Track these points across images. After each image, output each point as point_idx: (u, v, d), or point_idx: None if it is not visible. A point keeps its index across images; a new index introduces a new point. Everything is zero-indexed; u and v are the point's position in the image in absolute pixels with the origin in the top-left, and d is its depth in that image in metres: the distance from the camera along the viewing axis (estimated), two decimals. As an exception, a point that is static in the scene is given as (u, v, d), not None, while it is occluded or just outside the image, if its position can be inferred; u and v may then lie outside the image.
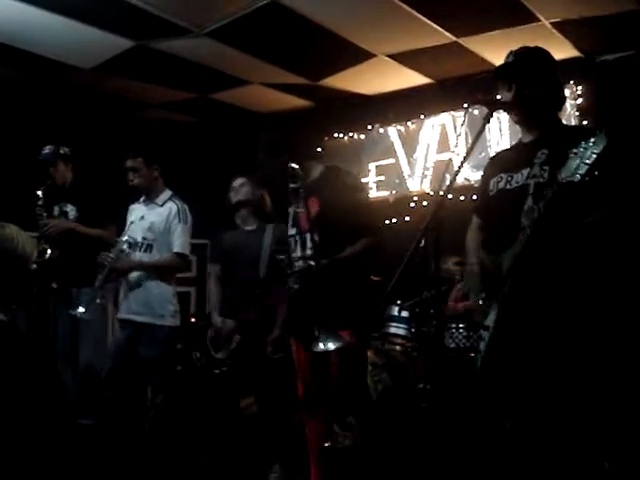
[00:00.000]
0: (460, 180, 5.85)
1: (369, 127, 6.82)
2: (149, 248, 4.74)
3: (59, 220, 5.09)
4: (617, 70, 5.29)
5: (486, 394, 2.98)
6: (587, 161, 2.53)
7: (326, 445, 3.86)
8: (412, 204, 6.35)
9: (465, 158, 2.89)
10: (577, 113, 5.49)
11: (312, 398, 3.81)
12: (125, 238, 4.69)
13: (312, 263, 3.49)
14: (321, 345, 3.33)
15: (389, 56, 5.72)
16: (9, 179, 6.09)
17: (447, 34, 5.23)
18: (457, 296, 5.23)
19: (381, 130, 6.75)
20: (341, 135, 6.96)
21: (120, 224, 4.89)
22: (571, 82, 5.49)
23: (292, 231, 3.80)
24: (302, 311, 3.66)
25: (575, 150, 2.57)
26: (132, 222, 4.76)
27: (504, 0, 4.64)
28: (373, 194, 6.62)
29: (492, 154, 5.68)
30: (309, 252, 3.62)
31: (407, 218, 6.22)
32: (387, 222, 6.25)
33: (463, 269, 4.12)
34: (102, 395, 4.72)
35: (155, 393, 4.61)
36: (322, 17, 4.99)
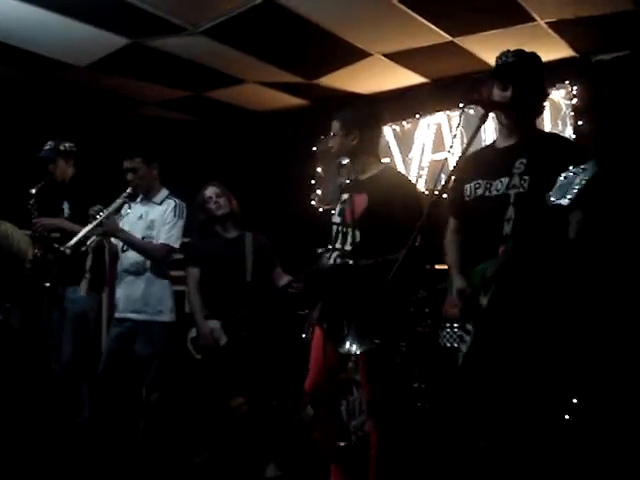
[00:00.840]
0: (451, 183, 5.84)
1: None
2: None
3: (47, 218, 5.06)
4: (612, 70, 5.29)
5: (465, 395, 2.99)
6: (576, 187, 2.51)
7: (341, 445, 3.87)
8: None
9: (460, 158, 2.89)
10: (572, 113, 5.48)
11: (321, 394, 3.81)
12: (123, 197, 4.65)
13: (350, 262, 3.51)
14: (347, 345, 3.32)
15: (385, 55, 5.72)
16: (6, 177, 6.07)
17: (443, 34, 5.23)
18: (452, 300, 5.21)
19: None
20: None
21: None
22: (566, 82, 5.48)
23: (337, 219, 3.80)
24: (336, 305, 3.68)
25: (565, 174, 2.56)
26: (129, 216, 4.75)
27: (500, 0, 4.64)
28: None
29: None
30: (349, 247, 3.64)
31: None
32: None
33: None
34: (90, 392, 4.72)
35: (150, 391, 4.57)
36: (318, 16, 4.99)
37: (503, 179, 2.96)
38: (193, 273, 4.91)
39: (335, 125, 3.78)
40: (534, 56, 3.07)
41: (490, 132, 5.79)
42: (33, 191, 4.99)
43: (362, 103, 6.25)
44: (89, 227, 4.50)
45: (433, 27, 5.11)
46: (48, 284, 4.91)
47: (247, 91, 6.62)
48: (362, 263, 3.44)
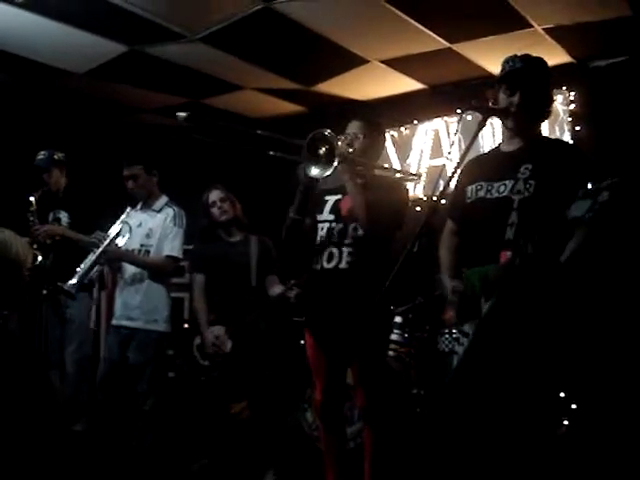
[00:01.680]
0: (453, 186, 5.85)
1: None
2: (147, 254, 4.76)
3: (50, 226, 5.07)
4: (610, 76, 5.30)
5: (458, 393, 2.98)
6: (597, 205, 2.51)
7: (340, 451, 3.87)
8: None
9: (458, 164, 2.89)
10: (569, 119, 5.49)
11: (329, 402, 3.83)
12: (122, 220, 4.67)
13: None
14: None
15: (382, 62, 5.72)
16: (2, 184, 6.06)
17: (440, 40, 5.23)
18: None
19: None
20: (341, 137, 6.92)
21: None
22: (564, 88, 5.50)
23: (329, 217, 3.80)
24: (326, 310, 3.70)
25: (585, 191, 2.55)
26: (130, 228, 4.75)
27: (497, 6, 4.64)
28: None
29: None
30: (350, 241, 3.67)
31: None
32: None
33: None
34: (91, 400, 4.71)
35: (144, 399, 4.56)
36: (315, 23, 4.99)
37: (507, 182, 2.96)
38: (198, 280, 4.89)
39: (358, 125, 3.81)
40: (541, 61, 3.07)
41: (488, 138, 5.81)
42: (32, 199, 4.99)
43: (373, 110, 6.30)
44: (93, 257, 4.55)
45: (430, 33, 5.12)
46: (46, 291, 4.91)
47: (245, 98, 6.62)
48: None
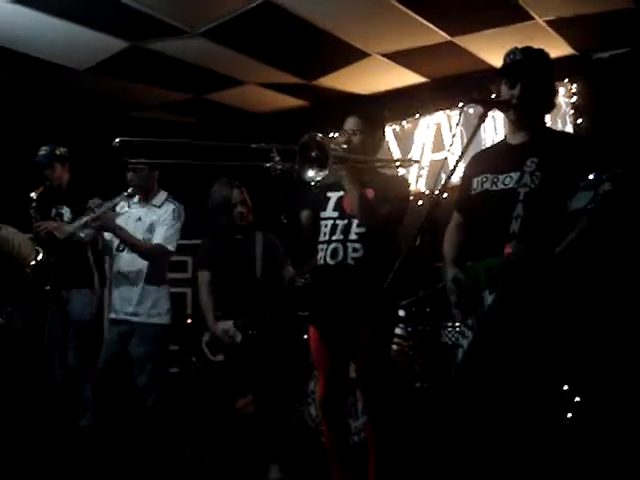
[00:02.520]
0: (455, 179, 5.77)
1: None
2: None
3: (51, 222, 5.07)
4: (612, 68, 5.29)
5: (464, 386, 2.99)
6: (599, 196, 2.51)
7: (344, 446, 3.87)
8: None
9: (460, 157, 2.88)
10: (572, 111, 5.48)
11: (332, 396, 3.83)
12: (123, 195, 4.67)
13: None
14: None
15: (384, 55, 5.72)
16: (5, 181, 6.07)
17: (442, 33, 5.23)
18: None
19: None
20: (337, 134, 6.92)
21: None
22: (566, 80, 5.49)
23: (333, 214, 3.80)
24: (330, 304, 3.71)
25: (587, 182, 2.55)
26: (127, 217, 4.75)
27: (498, -1, 4.65)
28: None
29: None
30: (354, 237, 3.67)
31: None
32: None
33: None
34: (93, 396, 4.71)
35: (146, 394, 4.55)
36: (316, 16, 4.99)
37: (513, 174, 2.95)
38: (204, 276, 4.87)
39: (355, 122, 3.81)
40: (542, 53, 3.06)
41: (490, 131, 5.80)
42: (34, 195, 4.98)
43: (371, 104, 6.29)
44: (87, 218, 4.51)
45: (432, 27, 5.11)
46: (49, 287, 4.91)
47: (247, 93, 6.62)
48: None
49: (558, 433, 2.97)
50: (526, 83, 2.95)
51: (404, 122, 6.57)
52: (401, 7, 4.79)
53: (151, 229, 4.70)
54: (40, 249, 4.85)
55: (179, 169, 5.55)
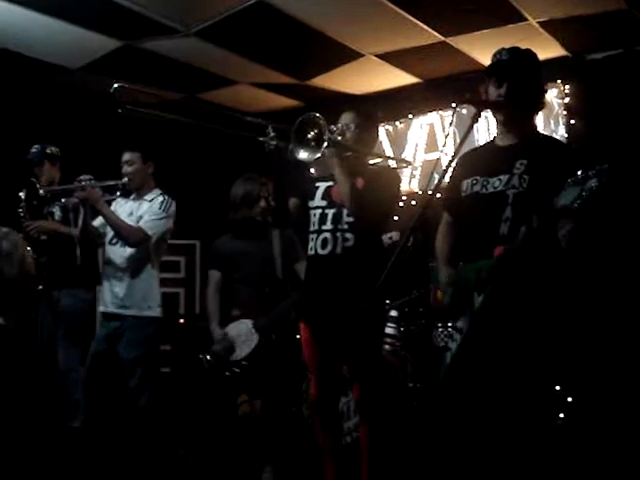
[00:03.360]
0: (448, 178, 5.84)
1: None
2: None
3: (43, 222, 5.05)
4: (605, 69, 5.30)
5: (452, 390, 2.99)
6: (586, 193, 2.52)
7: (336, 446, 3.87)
8: (400, 203, 6.34)
9: (453, 157, 2.89)
10: (564, 112, 5.49)
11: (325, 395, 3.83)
12: (117, 182, 4.66)
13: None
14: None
15: (377, 56, 5.72)
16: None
17: (435, 34, 5.23)
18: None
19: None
20: (332, 126, 6.91)
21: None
22: (558, 81, 5.49)
23: (321, 203, 3.79)
24: (322, 300, 3.71)
25: (574, 179, 2.56)
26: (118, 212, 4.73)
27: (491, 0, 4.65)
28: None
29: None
30: (345, 227, 3.67)
31: (395, 218, 6.22)
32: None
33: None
34: (85, 396, 4.69)
35: (137, 396, 4.51)
36: (310, 17, 4.99)
37: (502, 177, 2.95)
38: (214, 276, 4.80)
39: (350, 117, 3.82)
40: (529, 53, 3.07)
41: (483, 131, 5.80)
42: (22, 195, 4.96)
43: (364, 104, 6.30)
44: (73, 185, 4.50)
45: (425, 27, 5.11)
46: (41, 287, 4.90)
47: (240, 92, 6.61)
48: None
49: (549, 434, 2.96)
50: (512, 82, 2.96)
51: (397, 122, 6.57)
52: (394, 7, 4.79)
53: (139, 221, 4.65)
54: (30, 249, 4.83)
55: (175, 168, 5.55)
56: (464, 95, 3.08)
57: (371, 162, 4.04)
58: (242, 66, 5.93)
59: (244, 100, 6.85)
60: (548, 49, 5.25)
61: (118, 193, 4.75)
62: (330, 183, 3.78)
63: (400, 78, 6.23)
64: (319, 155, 3.40)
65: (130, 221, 4.61)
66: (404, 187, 6.39)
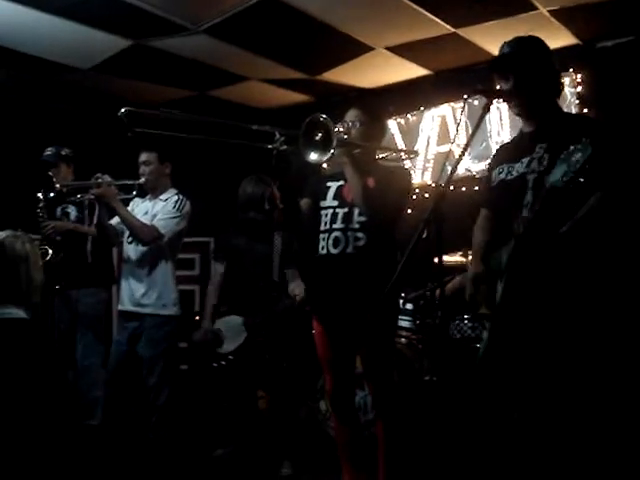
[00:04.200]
0: (461, 171, 5.84)
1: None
2: None
3: (59, 222, 5.10)
4: (616, 56, 5.27)
5: (487, 382, 2.97)
6: (572, 168, 2.51)
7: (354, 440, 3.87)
8: (414, 196, 6.33)
9: (465, 149, 2.88)
10: (577, 101, 5.46)
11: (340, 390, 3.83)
12: (134, 181, 4.69)
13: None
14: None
15: (387, 49, 5.71)
16: (9, 181, 6.08)
17: (445, 25, 5.21)
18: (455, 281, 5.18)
19: (381, 123, 6.73)
20: (337, 125, 6.90)
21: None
22: (570, 70, 5.47)
23: (333, 203, 3.79)
24: (334, 296, 3.70)
25: (563, 155, 2.55)
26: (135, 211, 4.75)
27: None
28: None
29: (493, 144, 5.73)
30: (356, 226, 3.67)
31: (409, 210, 6.20)
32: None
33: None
34: (104, 395, 4.71)
35: (157, 394, 4.52)
36: (319, 11, 4.98)
37: (524, 159, 2.94)
38: (217, 269, 4.93)
39: (356, 113, 3.80)
40: (533, 40, 3.03)
41: (495, 122, 5.79)
42: (40, 195, 5.00)
43: (375, 98, 6.30)
44: (89, 182, 4.52)
45: (435, 19, 5.10)
46: (58, 287, 4.94)
47: (251, 89, 6.62)
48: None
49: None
50: (518, 73, 2.93)
51: (409, 115, 6.56)
52: (404, 0, 4.78)
53: (153, 220, 4.67)
54: (49, 249, 4.87)
55: (189, 167, 5.56)
56: (475, 86, 3.05)
57: (381, 156, 4.03)
58: (252, 62, 5.93)
59: (255, 96, 6.86)
60: (559, 38, 5.23)
61: (134, 193, 4.76)
62: (341, 182, 3.77)
63: (411, 70, 6.21)
64: (329, 156, 3.40)
65: (145, 220, 4.61)
66: (417, 180, 6.40)
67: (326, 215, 3.77)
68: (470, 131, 5.71)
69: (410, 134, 6.52)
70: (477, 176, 5.65)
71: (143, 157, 4.72)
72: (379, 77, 6.39)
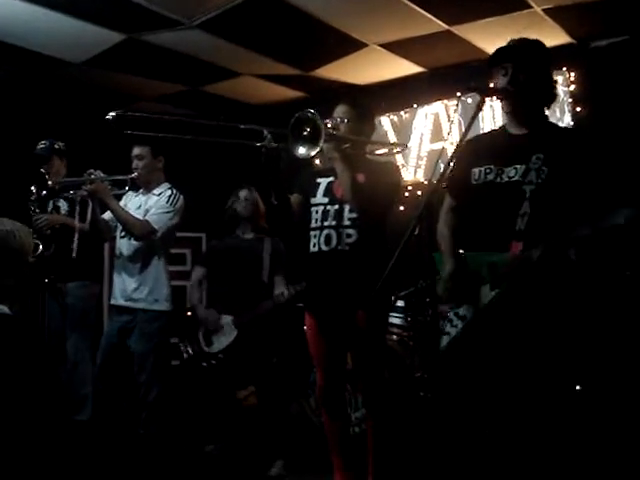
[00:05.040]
0: (453, 163, 5.83)
1: (362, 117, 6.79)
2: None
3: (51, 215, 5.08)
4: (610, 56, 5.27)
5: (448, 375, 2.98)
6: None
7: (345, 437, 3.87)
8: (406, 193, 6.33)
9: (458, 146, 2.87)
10: (570, 100, 5.47)
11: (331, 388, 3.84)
12: (127, 176, 4.71)
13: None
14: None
15: (381, 45, 5.70)
16: (1, 174, 6.06)
17: (439, 22, 5.21)
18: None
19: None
20: (326, 121, 6.89)
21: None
22: (564, 69, 5.47)
23: (323, 200, 3.80)
24: (327, 292, 3.71)
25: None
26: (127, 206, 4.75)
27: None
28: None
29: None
30: (347, 223, 3.68)
31: (401, 208, 6.21)
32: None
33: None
34: (94, 390, 4.69)
35: (147, 390, 4.51)
36: (313, 7, 4.97)
37: (518, 166, 2.92)
38: (196, 271, 5.20)
39: (344, 109, 3.80)
40: (537, 43, 3.03)
41: (488, 120, 5.79)
42: (33, 188, 4.97)
43: (366, 94, 6.30)
44: (81, 178, 4.52)
45: (429, 16, 5.09)
46: (47, 280, 4.91)
47: (243, 84, 6.61)
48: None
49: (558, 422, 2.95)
50: (517, 69, 2.93)
51: (402, 112, 6.56)
52: (398, -4, 4.78)
53: (146, 214, 4.66)
54: (39, 243, 4.85)
55: (181, 163, 5.56)
56: (469, 83, 3.05)
57: (377, 152, 4.04)
58: (245, 58, 5.92)
59: (248, 92, 6.84)
60: (553, 36, 5.23)
61: (127, 187, 4.75)
62: (331, 179, 3.77)
63: (404, 68, 6.21)
64: (318, 150, 3.39)
65: (138, 214, 4.61)
66: (409, 177, 6.41)
67: (317, 212, 3.77)
68: (463, 128, 5.72)
69: (403, 131, 6.53)
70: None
71: (136, 151, 4.71)
72: (372, 74, 6.38)
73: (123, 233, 4.67)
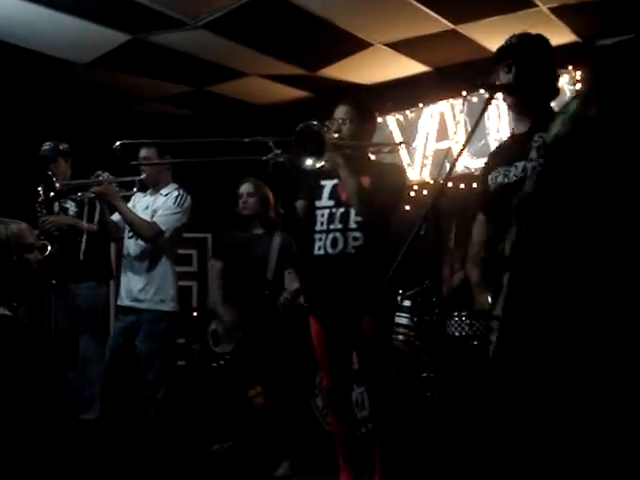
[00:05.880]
0: (460, 168, 5.84)
1: (368, 117, 6.78)
2: None
3: (58, 216, 5.09)
4: (616, 54, 5.26)
5: (499, 384, 2.94)
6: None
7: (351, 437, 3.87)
8: (412, 193, 6.33)
9: (464, 145, 2.87)
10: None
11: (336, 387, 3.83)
12: (134, 178, 4.71)
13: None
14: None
15: (386, 45, 5.69)
16: (7, 176, 6.07)
17: (444, 21, 5.20)
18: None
19: (379, 119, 6.69)
20: (327, 123, 6.89)
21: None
22: (570, 67, 5.46)
23: (328, 203, 3.78)
24: (332, 294, 3.70)
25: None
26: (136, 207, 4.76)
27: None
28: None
29: (491, 141, 5.72)
30: (354, 226, 3.66)
31: (407, 207, 6.20)
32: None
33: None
34: (102, 389, 4.70)
35: (155, 389, 4.52)
36: (318, 7, 4.97)
37: (518, 163, 2.91)
38: (215, 266, 5.04)
39: (345, 110, 3.79)
40: (539, 37, 3.02)
41: (494, 119, 5.78)
42: (40, 190, 4.98)
43: (370, 94, 6.30)
44: (89, 180, 4.53)
45: (435, 15, 5.08)
46: (55, 281, 4.93)
47: (249, 84, 6.61)
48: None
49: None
50: (521, 65, 2.92)
51: (408, 112, 6.55)
52: (403, -4, 4.77)
53: (154, 215, 4.66)
54: (47, 243, 4.86)
55: (187, 165, 5.59)
56: (475, 81, 3.04)
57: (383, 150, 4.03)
58: (251, 58, 5.92)
59: (253, 92, 6.85)
60: (559, 35, 5.22)
61: (135, 189, 4.76)
62: (335, 181, 3.75)
63: (410, 67, 6.20)
64: (324, 160, 3.40)
65: (145, 215, 4.61)
66: (415, 176, 6.40)
67: (322, 215, 3.76)
68: (469, 128, 5.71)
69: (409, 130, 6.51)
70: (475, 173, 5.65)
71: (143, 153, 4.71)
72: (378, 73, 6.37)
73: (131, 234, 4.67)
